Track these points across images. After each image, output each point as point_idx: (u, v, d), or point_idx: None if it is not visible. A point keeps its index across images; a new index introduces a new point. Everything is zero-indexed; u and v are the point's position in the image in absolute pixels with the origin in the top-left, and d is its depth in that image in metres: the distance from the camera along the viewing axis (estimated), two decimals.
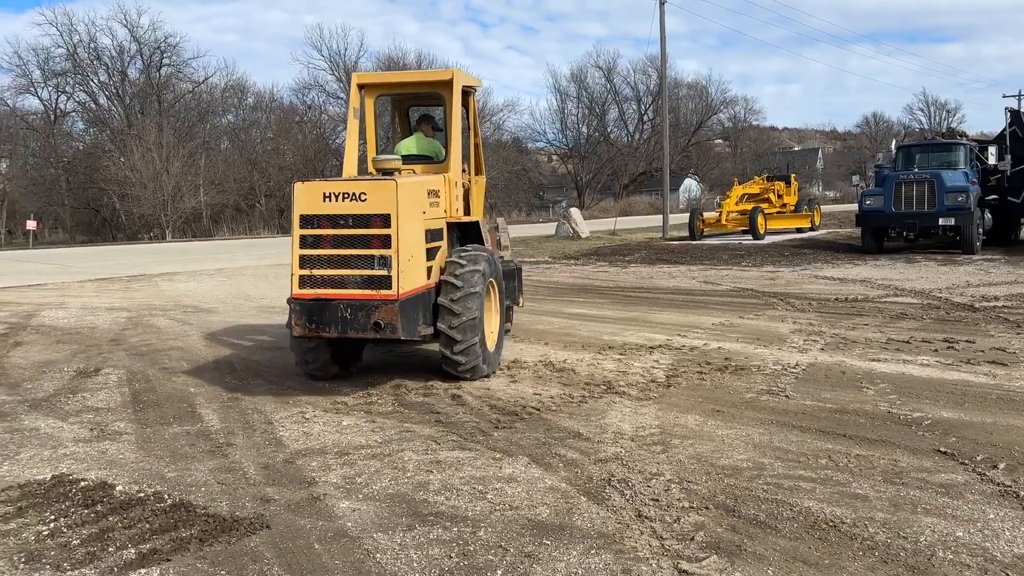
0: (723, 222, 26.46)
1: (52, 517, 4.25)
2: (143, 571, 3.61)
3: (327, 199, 6.47)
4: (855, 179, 47.09)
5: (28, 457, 5.30)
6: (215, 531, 4.02)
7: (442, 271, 7.07)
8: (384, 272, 6.32)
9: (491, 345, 7.37)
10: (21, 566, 3.69)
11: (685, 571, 3.45)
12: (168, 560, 3.71)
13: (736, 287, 14.02)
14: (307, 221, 6.57)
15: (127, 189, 45.40)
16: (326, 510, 4.30)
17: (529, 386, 6.97)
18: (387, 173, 7.00)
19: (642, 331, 9.64)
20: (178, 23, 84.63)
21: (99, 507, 4.38)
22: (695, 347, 8.51)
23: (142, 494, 4.57)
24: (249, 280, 17.38)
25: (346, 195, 6.44)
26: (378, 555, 3.73)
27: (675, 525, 3.95)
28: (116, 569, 3.63)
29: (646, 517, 4.04)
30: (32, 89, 53.96)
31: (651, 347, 8.56)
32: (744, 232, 25.99)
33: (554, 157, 78.08)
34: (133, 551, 3.81)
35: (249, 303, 13.59)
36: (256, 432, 5.77)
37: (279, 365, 8.06)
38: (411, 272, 6.51)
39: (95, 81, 54.97)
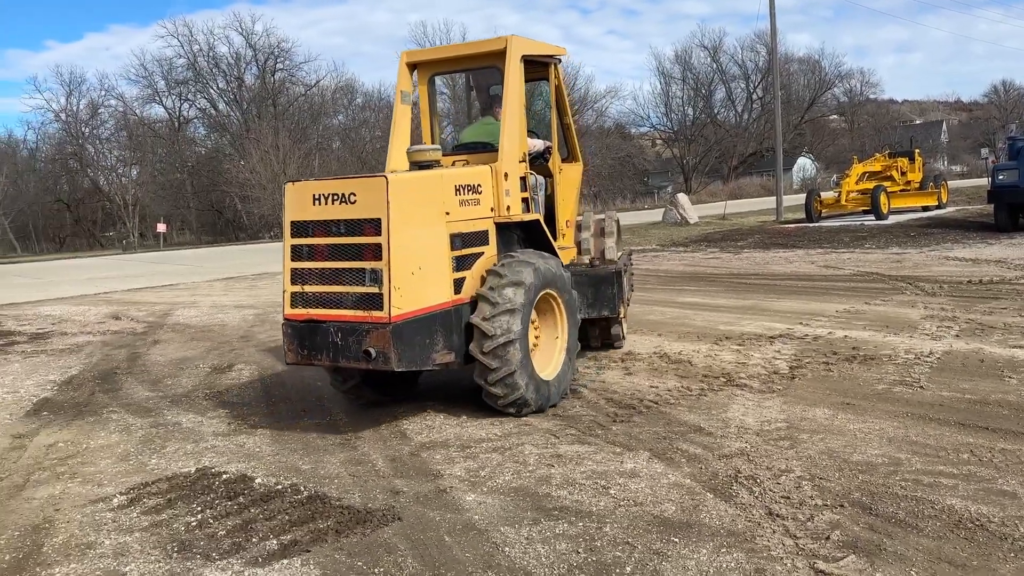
0: (843, 202, 25.43)
1: (199, 508, 4.52)
2: (285, 562, 3.78)
3: (317, 202, 5.53)
4: (984, 152, 44.38)
5: (173, 451, 5.64)
6: (350, 523, 4.18)
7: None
8: (376, 289, 5.30)
9: (548, 372, 6.14)
10: (175, 555, 3.93)
11: (822, 571, 3.35)
12: (308, 551, 3.88)
13: (860, 271, 13.46)
14: (298, 229, 5.67)
15: (247, 191, 47.55)
16: (453, 503, 4.39)
17: (645, 379, 6.91)
18: (425, 167, 6.11)
19: (760, 320, 9.40)
20: (290, 28, 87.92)
21: (241, 499, 4.62)
22: (819, 336, 8.23)
23: (279, 486, 4.79)
24: None
25: (336, 197, 5.46)
26: (507, 549, 3.79)
27: (809, 524, 3.84)
28: (260, 559, 3.82)
29: (777, 515, 3.95)
30: (157, 98, 57.38)
31: (771, 337, 8.34)
32: (865, 212, 24.91)
33: (658, 141, 76.95)
34: (275, 542, 4.00)
35: None
36: (381, 425, 5.95)
37: None
38: (415, 288, 5.40)
39: (214, 88, 57.95)
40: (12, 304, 14.98)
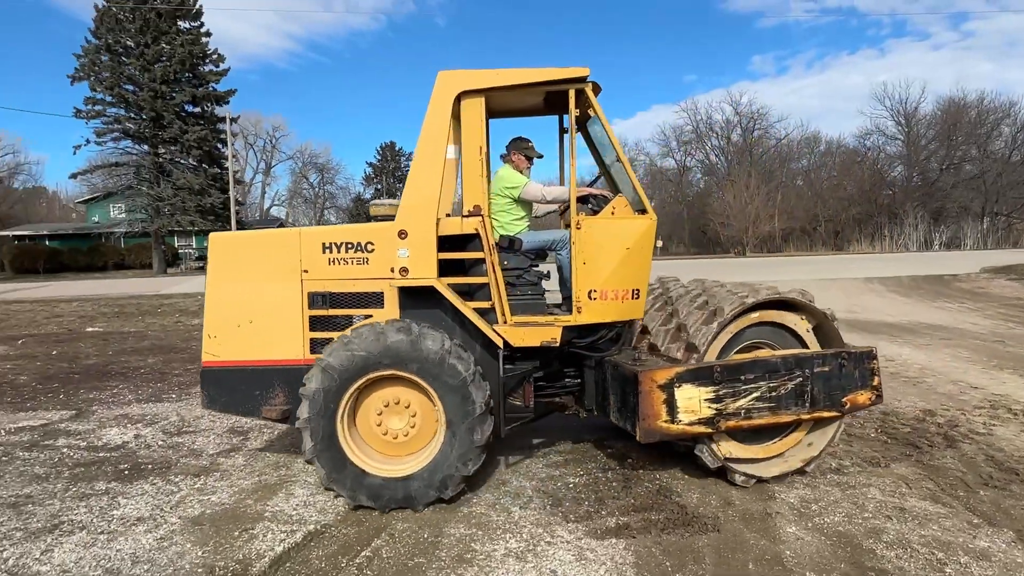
0: None
1: (581, 472, 4.33)
2: (614, 541, 3.40)
3: None
4: None
5: (580, 425, 5.48)
6: (676, 522, 3.58)
7: None
8: None
9: (406, 467, 3.82)
10: (548, 507, 3.82)
11: None
12: (633, 537, 3.43)
13: None
14: None
15: (723, 219, 46.51)
16: (772, 530, 3.47)
17: None
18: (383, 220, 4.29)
19: None
20: (773, 96, 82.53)
21: (610, 473, 4.31)
22: None
23: (642, 470, 4.35)
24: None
25: None
26: None
27: None
28: (598, 532, 3.50)
29: None
30: (670, 154, 59.56)
31: None
32: None
33: None
34: (614, 521, 3.63)
35: None
36: None
37: None
38: (241, 340, 4.07)
39: (708, 144, 57.84)
40: None
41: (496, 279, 4.04)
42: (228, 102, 36.17)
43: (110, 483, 4.29)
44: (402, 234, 4.04)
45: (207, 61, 35.55)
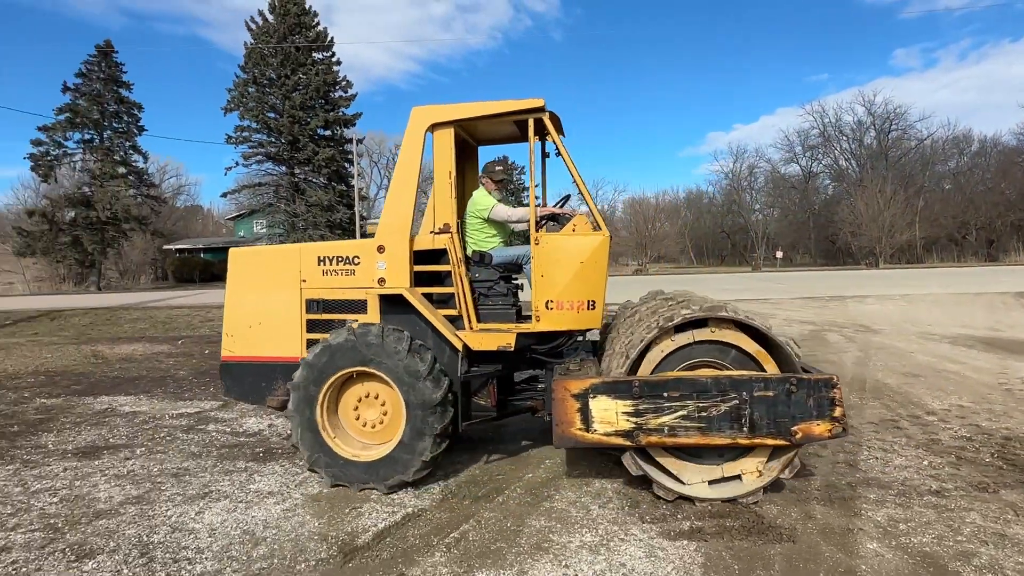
0: None
1: None
2: (685, 542, 3.54)
3: None
4: None
5: None
6: (751, 529, 3.66)
7: None
8: None
9: (372, 453, 4.30)
10: (626, 508, 4.02)
11: None
12: (705, 540, 3.56)
13: None
14: None
15: (854, 228, 43.22)
16: (851, 545, 3.46)
17: None
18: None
19: None
20: (917, 93, 74.56)
21: None
22: None
23: None
24: (925, 306, 14.63)
25: None
26: None
27: None
28: (671, 533, 3.65)
29: None
30: (794, 160, 56.28)
31: None
32: None
33: None
34: (688, 524, 3.76)
35: (914, 328, 11.49)
36: (837, 445, 4.93)
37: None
38: (251, 339, 4.69)
39: (837, 148, 54.10)
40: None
41: (463, 289, 4.40)
42: (355, 124, 39.11)
43: (248, 463, 5.04)
44: (380, 249, 4.49)
45: (337, 88, 38.72)
